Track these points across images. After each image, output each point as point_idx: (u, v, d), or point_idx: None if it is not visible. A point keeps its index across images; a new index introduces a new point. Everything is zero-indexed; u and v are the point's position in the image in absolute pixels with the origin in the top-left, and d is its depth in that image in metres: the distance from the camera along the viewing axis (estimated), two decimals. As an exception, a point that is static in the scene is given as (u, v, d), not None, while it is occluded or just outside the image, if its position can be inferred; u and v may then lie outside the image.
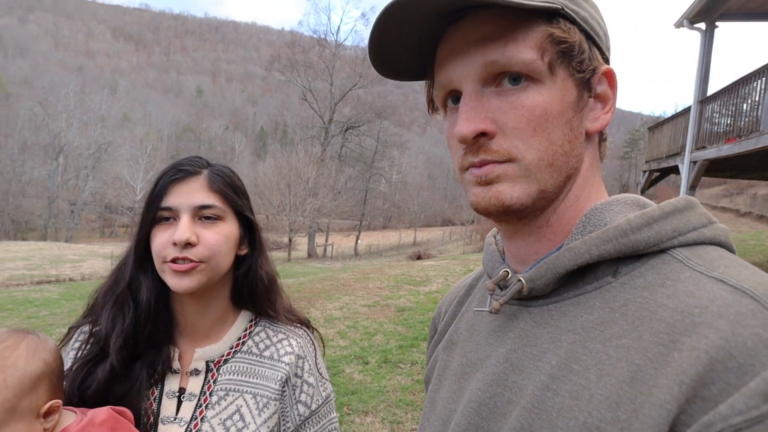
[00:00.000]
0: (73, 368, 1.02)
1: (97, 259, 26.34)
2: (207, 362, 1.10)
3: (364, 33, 51.49)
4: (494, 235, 0.78)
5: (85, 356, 1.03)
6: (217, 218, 1.05)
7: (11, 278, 17.79)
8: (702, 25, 10.55)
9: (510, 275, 0.65)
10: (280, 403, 1.10)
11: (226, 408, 1.06)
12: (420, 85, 0.71)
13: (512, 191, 0.58)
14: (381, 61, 0.65)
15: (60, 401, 0.90)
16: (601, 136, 0.66)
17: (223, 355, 1.11)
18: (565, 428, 0.51)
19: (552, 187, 0.60)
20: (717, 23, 10.50)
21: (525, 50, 0.56)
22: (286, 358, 1.14)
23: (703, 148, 9.83)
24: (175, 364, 1.08)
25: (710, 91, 10.23)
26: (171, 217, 1.02)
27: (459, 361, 0.72)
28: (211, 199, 1.04)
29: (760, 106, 8.05)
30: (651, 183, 13.51)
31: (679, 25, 10.79)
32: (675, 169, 11.59)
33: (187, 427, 1.02)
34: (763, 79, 7.98)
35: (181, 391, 1.07)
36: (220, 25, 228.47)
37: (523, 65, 0.56)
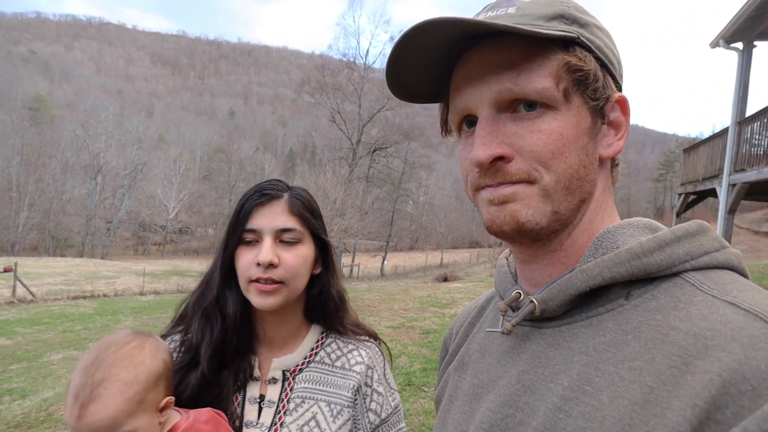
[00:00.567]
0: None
1: (130, 275, 27.00)
2: (283, 371, 1.18)
3: (393, 56, 51.70)
4: (506, 257, 0.79)
5: (179, 363, 1.13)
6: (296, 241, 1.13)
7: (49, 293, 18.37)
8: (739, 45, 10.40)
9: (522, 296, 0.65)
10: (353, 411, 1.17)
11: (302, 415, 1.13)
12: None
13: (527, 210, 0.58)
14: (396, 84, 0.66)
15: (173, 398, 1.01)
16: (614, 162, 0.67)
17: (297, 365, 1.20)
18: None
19: (566, 210, 0.60)
20: (755, 42, 10.32)
21: (539, 79, 0.56)
22: (356, 368, 1.21)
23: (743, 170, 9.59)
24: (256, 372, 1.17)
25: (749, 112, 10.02)
26: (254, 239, 1.11)
27: (470, 381, 0.72)
28: (291, 222, 1.13)
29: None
30: (687, 206, 13.21)
31: (714, 45, 10.67)
32: (712, 192, 11.29)
33: (268, 431, 1.11)
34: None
35: (261, 397, 1.15)
36: (253, 50, 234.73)
37: (536, 94, 0.57)
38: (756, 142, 9.45)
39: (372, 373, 1.22)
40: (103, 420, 0.88)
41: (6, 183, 52.03)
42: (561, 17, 0.59)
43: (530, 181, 0.58)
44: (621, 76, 0.65)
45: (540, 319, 0.63)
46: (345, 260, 41.73)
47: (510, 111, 0.59)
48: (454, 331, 0.90)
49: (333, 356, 1.23)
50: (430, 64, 0.63)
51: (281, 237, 1.11)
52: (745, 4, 9.15)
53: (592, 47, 0.59)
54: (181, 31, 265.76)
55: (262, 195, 1.13)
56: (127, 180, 58.24)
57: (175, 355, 1.15)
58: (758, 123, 9.38)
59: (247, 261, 1.10)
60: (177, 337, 1.20)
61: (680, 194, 13.31)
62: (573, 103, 0.58)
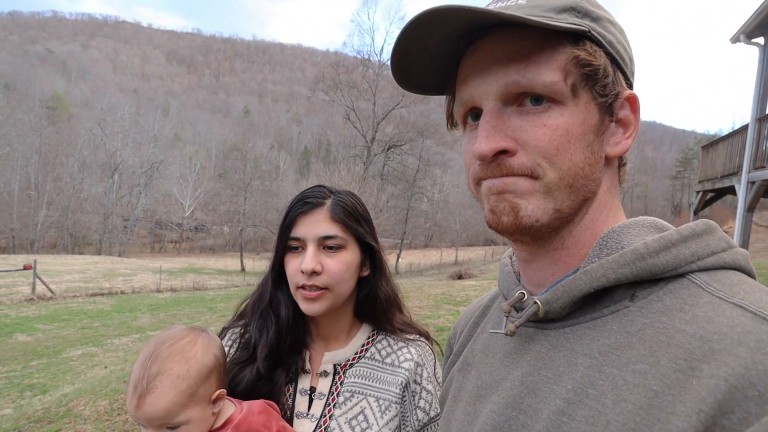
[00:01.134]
0: (227, 367, 1.15)
1: (147, 273, 27.26)
2: (335, 365, 1.22)
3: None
4: (510, 256, 0.78)
5: (237, 359, 1.20)
6: (339, 247, 1.16)
7: (68, 290, 18.60)
8: (760, 40, 10.21)
9: (526, 297, 0.64)
10: (401, 407, 1.19)
11: (351, 408, 1.17)
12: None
13: (527, 205, 0.58)
14: (401, 74, 0.65)
15: (224, 390, 1.06)
16: (621, 161, 0.65)
17: (348, 360, 1.24)
18: None
19: (568, 208, 0.59)
20: None
21: (547, 72, 0.55)
22: (405, 365, 1.23)
23: (762, 167, 9.47)
24: (307, 366, 1.22)
25: None
26: (299, 246, 1.16)
27: (474, 383, 0.71)
28: (333, 229, 1.16)
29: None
30: (705, 204, 13.10)
31: (735, 40, 10.47)
32: (731, 190, 11.17)
33: (318, 423, 1.15)
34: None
35: (312, 389, 1.20)
36: (267, 48, 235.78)
37: (544, 87, 0.56)
38: None
39: (422, 370, 1.23)
40: (159, 410, 0.94)
41: (25, 181, 52.76)
42: (573, 10, 0.57)
43: (533, 177, 0.57)
44: (633, 74, 0.64)
45: (544, 321, 0.62)
46: (359, 258, 41.50)
47: (516, 104, 0.58)
48: (459, 330, 0.90)
49: (383, 353, 1.26)
50: (437, 54, 0.62)
51: (324, 244, 1.15)
52: (767, -2, 8.90)
53: (603, 42, 0.58)
54: (196, 29, 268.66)
55: (304, 203, 1.17)
56: (143, 178, 58.74)
57: (234, 346, 1.24)
58: (779, 119, 9.18)
59: (293, 268, 1.15)
60: (237, 330, 1.27)
61: (698, 192, 13.20)
62: (581, 99, 0.57)
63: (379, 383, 1.20)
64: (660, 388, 0.47)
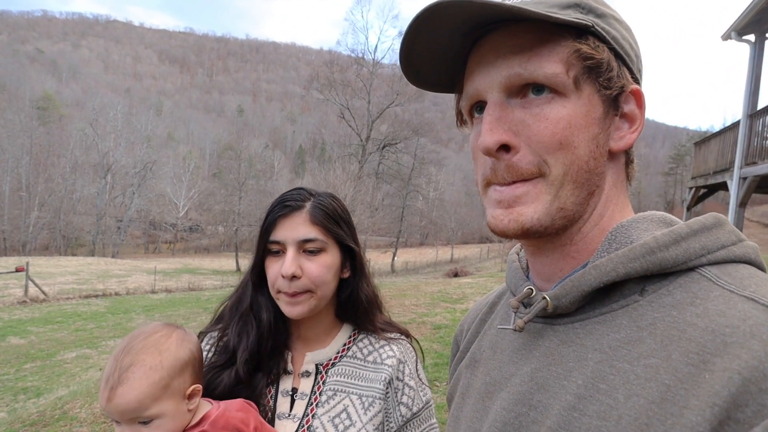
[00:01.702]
0: (204, 371, 1.13)
1: (141, 274, 27.12)
2: (317, 365, 1.22)
3: (401, 51, 51.75)
4: (517, 252, 0.77)
5: (214, 363, 1.18)
6: (319, 250, 1.15)
7: (61, 292, 18.44)
8: (751, 37, 10.33)
9: (534, 293, 0.64)
10: (384, 403, 1.19)
11: (334, 407, 1.17)
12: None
13: (533, 213, 0.58)
14: (410, 71, 0.66)
15: (200, 386, 1.04)
16: (628, 157, 0.65)
17: (330, 359, 1.23)
18: None
19: (572, 205, 0.59)
20: (767, 35, 10.27)
21: (549, 64, 0.56)
22: (388, 361, 1.23)
23: (754, 163, 9.56)
24: (289, 366, 1.21)
25: (761, 105, 9.99)
26: (279, 249, 1.15)
27: (482, 379, 0.71)
28: (313, 232, 1.15)
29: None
30: (698, 200, 13.28)
31: (726, 37, 10.59)
32: (723, 186, 11.32)
33: (300, 423, 1.14)
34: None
35: (294, 390, 1.19)
36: (261, 46, 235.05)
37: (545, 78, 0.56)
38: (767, 135, 9.42)
39: (404, 367, 1.24)
40: (130, 402, 0.92)
41: (16, 183, 52.42)
42: (577, 6, 0.58)
43: (540, 175, 0.57)
44: (639, 71, 0.63)
45: (552, 316, 0.62)
46: (355, 257, 41.56)
47: (520, 97, 0.58)
48: (465, 327, 0.90)
49: (365, 351, 1.26)
50: (444, 51, 0.62)
51: (304, 247, 1.14)
52: (757, -5, 9.00)
53: (608, 37, 0.58)
54: (188, 29, 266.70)
55: (284, 207, 1.16)
56: (136, 178, 58.43)
57: (211, 350, 1.22)
58: (770, 116, 9.33)
59: (274, 272, 1.14)
60: (215, 334, 1.25)
61: (691, 188, 13.39)
62: (583, 92, 0.57)
63: (362, 381, 1.21)
64: (672, 382, 0.46)
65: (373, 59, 44.79)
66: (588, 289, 0.57)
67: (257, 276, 1.21)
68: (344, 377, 1.21)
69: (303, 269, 1.13)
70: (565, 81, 0.56)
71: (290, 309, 1.14)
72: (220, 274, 32.97)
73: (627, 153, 0.64)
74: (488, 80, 0.59)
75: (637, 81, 0.62)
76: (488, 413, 0.65)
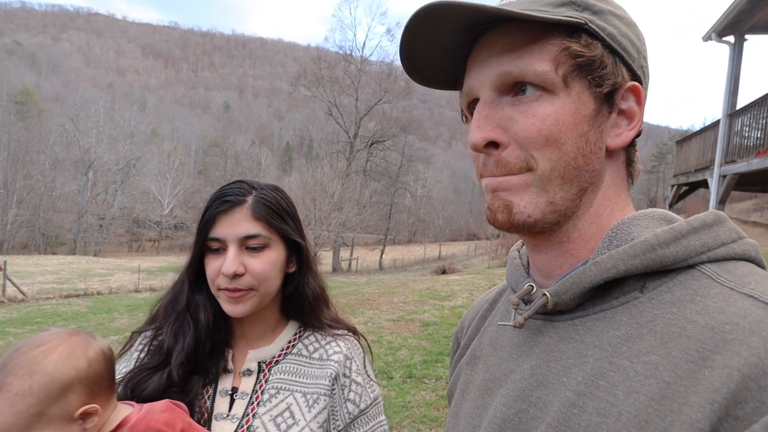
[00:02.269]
0: (131, 372, 1.09)
1: (125, 273, 26.42)
2: (259, 363, 1.17)
3: (390, 48, 51.96)
4: (518, 249, 0.77)
5: (146, 364, 1.11)
6: (263, 246, 1.09)
7: (41, 292, 17.81)
8: (731, 38, 10.59)
9: (534, 289, 0.64)
10: (330, 399, 1.14)
11: (276, 405, 1.11)
12: (446, 99, 0.69)
13: (520, 201, 0.59)
14: (411, 68, 0.67)
15: (97, 406, 0.90)
16: (630, 157, 0.65)
17: (274, 357, 1.18)
18: None
19: (562, 200, 0.59)
20: (746, 36, 10.53)
21: (538, 62, 0.56)
22: (334, 357, 1.19)
23: (733, 162, 9.83)
24: (229, 365, 1.15)
25: (740, 105, 10.26)
26: (220, 247, 1.08)
27: (482, 376, 0.71)
28: (255, 228, 1.08)
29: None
30: (679, 197, 13.64)
31: (707, 38, 10.84)
32: (704, 183, 11.57)
33: (239, 423, 1.08)
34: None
35: (234, 390, 1.13)
36: (247, 42, 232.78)
37: (534, 76, 0.57)
38: (746, 134, 9.68)
39: (351, 363, 1.21)
40: None
41: (-6, 179, 51.11)
42: (572, 4, 0.58)
43: (529, 169, 0.58)
44: (641, 68, 0.62)
45: (552, 313, 0.62)
46: (344, 254, 41.48)
47: (511, 95, 0.59)
48: (466, 324, 0.89)
49: (311, 348, 1.22)
50: (444, 49, 0.63)
51: (246, 244, 1.08)
52: (737, -2, 9.28)
53: (603, 34, 0.57)
54: (173, 23, 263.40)
55: (223, 202, 1.09)
56: (119, 175, 57.28)
57: (144, 350, 1.15)
58: (748, 115, 9.63)
59: (213, 270, 1.08)
60: (149, 333, 1.18)
61: (673, 185, 13.71)
62: (573, 89, 0.57)
63: (307, 378, 1.16)
64: (672, 379, 0.46)
65: (361, 56, 44.44)
66: (588, 286, 0.57)
67: (194, 274, 1.13)
68: (288, 375, 1.15)
69: (246, 266, 1.06)
70: (553, 79, 0.56)
71: (232, 308, 1.08)
72: (206, 273, 32.25)
73: (627, 151, 0.64)
74: (480, 78, 0.60)
75: (638, 78, 0.62)
76: (488, 409, 0.66)
